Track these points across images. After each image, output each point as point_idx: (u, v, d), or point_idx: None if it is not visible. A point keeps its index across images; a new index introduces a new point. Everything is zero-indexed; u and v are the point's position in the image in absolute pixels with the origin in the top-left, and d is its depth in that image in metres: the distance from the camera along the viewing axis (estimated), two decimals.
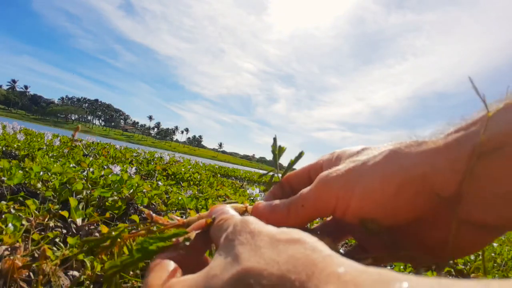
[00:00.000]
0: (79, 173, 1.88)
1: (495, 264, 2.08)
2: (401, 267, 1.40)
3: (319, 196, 0.26)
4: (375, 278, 0.13)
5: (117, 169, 2.01)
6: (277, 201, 0.30)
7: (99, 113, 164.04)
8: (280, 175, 0.37)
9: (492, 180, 0.21)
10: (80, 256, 0.99)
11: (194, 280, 0.19)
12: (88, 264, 0.97)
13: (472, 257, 1.72)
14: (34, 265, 0.88)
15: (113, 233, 0.28)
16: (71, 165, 2.15)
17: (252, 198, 3.11)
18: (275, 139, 0.38)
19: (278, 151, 0.38)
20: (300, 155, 0.36)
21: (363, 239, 0.29)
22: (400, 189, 0.23)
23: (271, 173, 0.38)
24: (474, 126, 0.22)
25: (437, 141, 0.23)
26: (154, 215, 0.29)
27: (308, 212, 0.27)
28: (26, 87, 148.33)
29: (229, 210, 0.26)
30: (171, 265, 0.22)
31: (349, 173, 0.25)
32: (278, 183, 0.36)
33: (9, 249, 0.95)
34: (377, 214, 0.24)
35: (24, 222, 1.06)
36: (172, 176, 4.10)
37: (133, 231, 0.28)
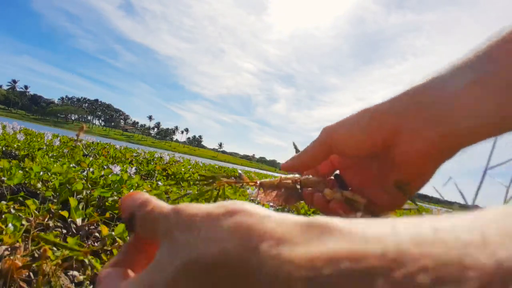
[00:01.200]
0: (79, 173, 1.88)
1: None
2: None
3: (319, 135, 0.36)
4: (314, 223, 0.14)
5: (117, 169, 2.00)
6: None
7: (99, 113, 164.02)
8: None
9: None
10: (80, 256, 0.99)
11: (138, 279, 0.18)
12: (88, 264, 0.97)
13: None
14: (34, 265, 0.88)
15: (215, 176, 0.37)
16: (71, 165, 2.15)
17: (252, 198, 3.10)
18: (295, 146, 0.43)
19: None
20: None
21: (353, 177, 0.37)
22: (372, 117, 0.32)
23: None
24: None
25: None
26: (244, 176, 0.38)
27: (314, 145, 0.36)
28: (26, 87, 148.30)
29: (151, 198, 0.22)
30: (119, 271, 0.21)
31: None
32: None
33: (9, 249, 0.94)
34: (358, 142, 0.32)
35: (24, 222, 1.06)
36: (172, 176, 4.10)
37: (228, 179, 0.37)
